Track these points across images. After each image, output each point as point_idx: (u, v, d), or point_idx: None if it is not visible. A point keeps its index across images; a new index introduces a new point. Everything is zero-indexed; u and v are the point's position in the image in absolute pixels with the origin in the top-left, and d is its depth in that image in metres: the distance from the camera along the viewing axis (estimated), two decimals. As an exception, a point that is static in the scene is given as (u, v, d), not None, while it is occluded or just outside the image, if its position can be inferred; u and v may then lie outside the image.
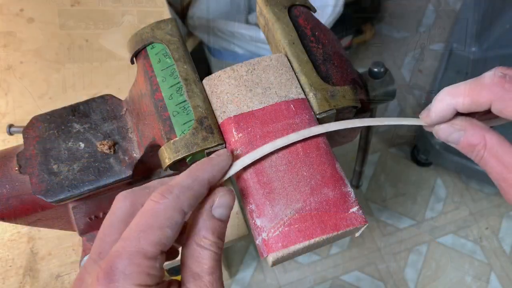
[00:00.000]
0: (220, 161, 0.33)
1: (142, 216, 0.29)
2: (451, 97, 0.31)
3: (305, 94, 0.39)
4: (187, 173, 0.31)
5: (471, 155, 0.31)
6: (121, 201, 0.31)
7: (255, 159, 0.35)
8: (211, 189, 0.32)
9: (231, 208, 0.33)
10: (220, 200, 0.32)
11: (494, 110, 0.29)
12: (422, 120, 0.34)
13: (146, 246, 0.27)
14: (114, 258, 0.27)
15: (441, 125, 0.33)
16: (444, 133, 0.33)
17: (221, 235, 0.31)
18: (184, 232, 0.32)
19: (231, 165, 0.34)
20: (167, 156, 0.37)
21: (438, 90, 0.33)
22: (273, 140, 0.35)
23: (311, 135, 0.36)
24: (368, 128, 0.53)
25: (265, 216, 0.33)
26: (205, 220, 0.31)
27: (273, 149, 0.35)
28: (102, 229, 0.30)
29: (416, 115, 0.35)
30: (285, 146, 0.36)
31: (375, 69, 0.45)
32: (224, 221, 0.32)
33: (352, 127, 0.37)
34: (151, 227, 0.28)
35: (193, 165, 0.32)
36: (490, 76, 0.29)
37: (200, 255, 0.30)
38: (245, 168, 0.35)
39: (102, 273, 0.27)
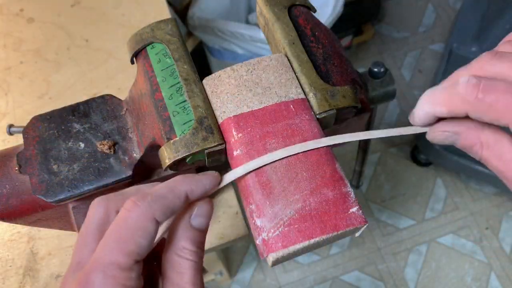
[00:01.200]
0: (203, 178, 0.32)
1: (115, 226, 0.28)
2: (430, 106, 0.30)
3: (305, 94, 0.39)
4: (164, 184, 0.31)
5: (471, 155, 0.31)
6: (95, 208, 0.30)
7: (249, 170, 0.34)
8: (191, 204, 0.32)
9: (209, 217, 0.32)
10: (198, 210, 0.31)
11: (473, 118, 0.28)
12: (412, 123, 0.34)
13: (119, 258, 0.27)
14: (89, 271, 0.27)
15: (434, 133, 0.32)
16: (439, 140, 0.32)
17: (200, 245, 0.31)
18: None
19: (221, 179, 0.34)
20: (167, 156, 0.37)
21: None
22: (270, 153, 0.35)
23: (307, 149, 0.36)
24: (368, 129, 0.53)
25: (265, 216, 0.33)
26: (184, 230, 0.30)
27: (266, 163, 0.35)
28: (80, 237, 0.30)
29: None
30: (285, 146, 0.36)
31: (375, 69, 0.45)
32: (203, 231, 0.32)
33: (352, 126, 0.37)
34: (124, 238, 0.27)
35: (173, 178, 0.32)
36: (464, 83, 0.28)
37: (181, 265, 0.29)
38: (245, 168, 0.35)
39: (79, 287, 0.27)
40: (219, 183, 0.34)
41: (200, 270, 0.30)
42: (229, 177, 0.34)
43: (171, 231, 0.31)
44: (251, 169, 0.35)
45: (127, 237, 0.27)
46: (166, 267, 0.30)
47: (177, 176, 0.32)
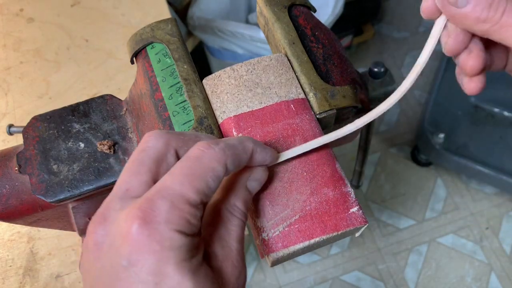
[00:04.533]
0: (268, 148, 0.32)
1: (186, 162, 0.27)
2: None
3: (305, 94, 0.39)
4: (234, 137, 0.31)
5: (486, 17, 0.27)
6: (155, 139, 0.29)
7: (306, 150, 0.35)
8: (246, 168, 0.32)
9: (262, 184, 0.33)
10: (256, 173, 0.32)
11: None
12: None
13: (190, 193, 0.26)
14: (154, 197, 0.25)
15: None
16: None
17: (248, 207, 0.32)
18: None
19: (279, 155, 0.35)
20: (167, 156, 0.37)
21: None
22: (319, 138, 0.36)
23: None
24: (368, 128, 0.53)
25: (265, 216, 0.33)
26: (240, 190, 0.31)
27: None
28: (130, 165, 0.28)
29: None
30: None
31: (375, 69, 0.45)
32: (252, 195, 0.33)
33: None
34: (195, 175, 0.26)
35: (240, 135, 0.32)
36: None
37: (230, 221, 0.30)
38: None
39: (140, 212, 0.25)
40: (277, 159, 0.34)
41: (244, 231, 0.30)
42: (287, 154, 0.35)
43: (225, 188, 0.31)
44: (308, 149, 0.35)
45: (199, 174, 0.27)
46: (215, 220, 0.30)
47: (243, 135, 0.32)
